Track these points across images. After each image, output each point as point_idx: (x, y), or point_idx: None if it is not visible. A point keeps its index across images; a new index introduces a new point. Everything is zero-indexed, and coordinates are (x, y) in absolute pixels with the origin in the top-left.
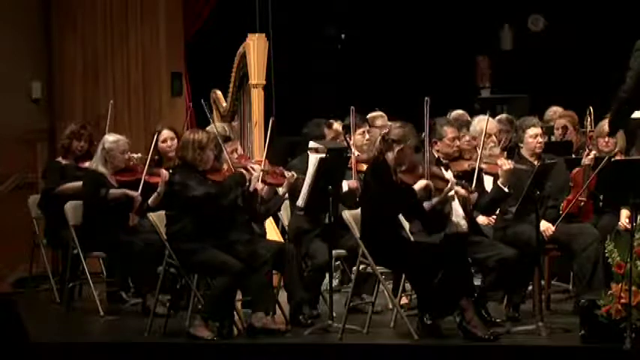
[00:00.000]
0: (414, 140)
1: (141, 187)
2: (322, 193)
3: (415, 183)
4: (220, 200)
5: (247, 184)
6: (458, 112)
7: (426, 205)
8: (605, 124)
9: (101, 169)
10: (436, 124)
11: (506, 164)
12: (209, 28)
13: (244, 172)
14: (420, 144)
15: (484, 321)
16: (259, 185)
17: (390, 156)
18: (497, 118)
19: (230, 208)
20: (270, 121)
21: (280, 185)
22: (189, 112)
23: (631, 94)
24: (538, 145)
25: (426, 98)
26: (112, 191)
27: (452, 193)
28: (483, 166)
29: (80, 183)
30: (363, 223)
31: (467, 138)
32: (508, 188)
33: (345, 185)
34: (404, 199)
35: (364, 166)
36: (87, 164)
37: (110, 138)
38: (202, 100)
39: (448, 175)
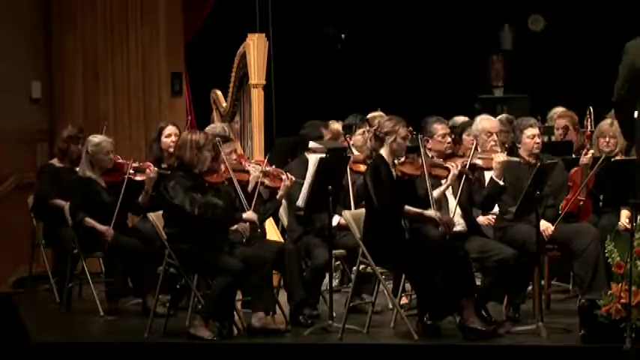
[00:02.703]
0: (403, 130)
1: (124, 186)
2: (322, 193)
3: (415, 172)
4: (207, 216)
5: (245, 184)
6: (460, 119)
7: (435, 193)
8: (605, 124)
9: (88, 173)
10: (426, 122)
11: (499, 156)
12: (209, 28)
13: (246, 216)
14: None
15: (484, 321)
16: (244, 226)
17: (385, 151)
18: (497, 118)
19: (224, 215)
20: (267, 157)
21: (279, 188)
22: (190, 112)
23: (617, 96)
24: (536, 145)
25: (420, 136)
26: (87, 220)
27: (436, 216)
28: (479, 161)
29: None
30: (366, 223)
31: (471, 137)
32: (503, 181)
33: (335, 221)
34: (406, 191)
35: (361, 167)
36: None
37: (93, 140)
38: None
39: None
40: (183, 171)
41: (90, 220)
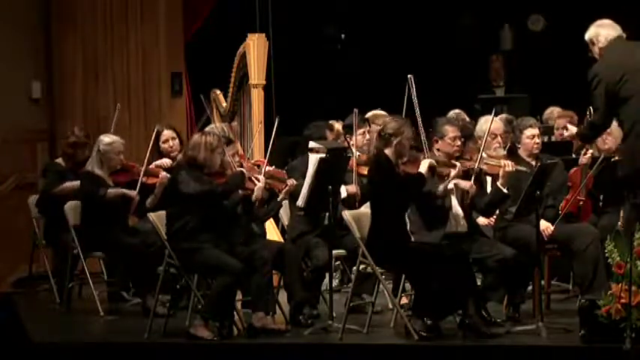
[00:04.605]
0: (409, 131)
1: (138, 188)
2: (322, 193)
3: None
4: (220, 200)
5: (249, 192)
6: (455, 112)
7: (440, 189)
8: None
9: (97, 171)
10: (437, 122)
11: (508, 165)
12: (209, 28)
13: (244, 171)
14: (415, 138)
15: (484, 321)
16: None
17: (389, 151)
18: (497, 118)
19: (230, 208)
20: (276, 121)
21: (280, 189)
22: (190, 113)
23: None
24: (535, 145)
25: (409, 76)
26: (110, 191)
27: (453, 184)
28: (484, 167)
29: (78, 183)
30: (372, 222)
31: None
32: (507, 190)
33: (344, 191)
34: (413, 188)
35: (364, 169)
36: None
37: (105, 139)
38: (201, 95)
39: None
40: (193, 168)
41: (112, 190)
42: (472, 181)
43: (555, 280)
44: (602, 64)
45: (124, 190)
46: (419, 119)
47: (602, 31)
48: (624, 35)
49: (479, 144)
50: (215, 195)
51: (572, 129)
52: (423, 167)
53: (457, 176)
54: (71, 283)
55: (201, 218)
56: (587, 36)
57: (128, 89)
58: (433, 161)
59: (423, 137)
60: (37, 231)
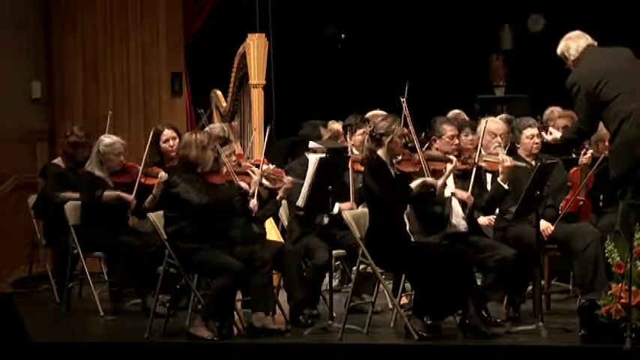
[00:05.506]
0: (399, 128)
1: (136, 188)
2: (322, 192)
3: (414, 169)
4: (215, 207)
5: (248, 190)
6: (455, 112)
7: (438, 184)
8: (603, 128)
9: (97, 172)
10: (435, 122)
11: (507, 161)
12: (209, 28)
13: (243, 185)
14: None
15: (484, 321)
16: (254, 202)
17: (382, 151)
18: (497, 118)
19: (227, 211)
20: (268, 128)
21: (279, 188)
22: (190, 113)
23: (590, 128)
24: (535, 145)
25: (402, 99)
26: (107, 193)
27: (450, 193)
28: (483, 164)
29: (77, 195)
30: (370, 226)
31: (470, 137)
32: (508, 186)
33: (337, 208)
34: (409, 189)
35: (360, 166)
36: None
37: (105, 140)
38: (199, 109)
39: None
40: (186, 169)
41: (109, 193)
42: (472, 183)
43: (555, 280)
44: (577, 73)
45: (121, 194)
46: (414, 135)
47: (572, 44)
48: (595, 43)
49: (477, 143)
50: (206, 205)
51: (556, 134)
52: (415, 184)
53: (454, 170)
54: (71, 283)
55: (200, 219)
56: (558, 51)
57: (128, 89)
58: (429, 180)
59: (420, 156)
60: (37, 231)
